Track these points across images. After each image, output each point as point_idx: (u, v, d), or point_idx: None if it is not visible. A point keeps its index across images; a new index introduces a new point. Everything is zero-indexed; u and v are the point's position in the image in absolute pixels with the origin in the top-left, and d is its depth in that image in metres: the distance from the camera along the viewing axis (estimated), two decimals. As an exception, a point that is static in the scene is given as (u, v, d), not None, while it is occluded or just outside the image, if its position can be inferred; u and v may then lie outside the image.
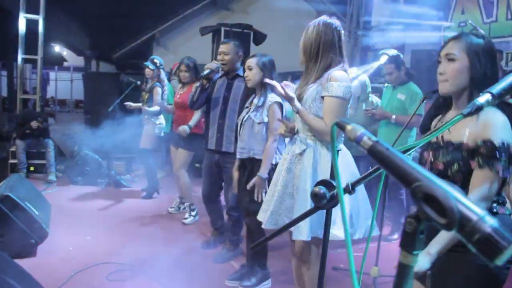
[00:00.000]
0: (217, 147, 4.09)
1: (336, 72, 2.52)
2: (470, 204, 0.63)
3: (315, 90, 2.56)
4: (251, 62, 3.48)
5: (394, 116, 4.64)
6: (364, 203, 2.62)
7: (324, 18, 2.63)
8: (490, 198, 1.70)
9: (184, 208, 5.63)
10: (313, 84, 2.58)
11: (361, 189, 2.59)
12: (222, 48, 4.04)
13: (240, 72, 4.04)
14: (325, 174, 2.47)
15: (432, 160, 1.84)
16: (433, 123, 2.07)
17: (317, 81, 2.58)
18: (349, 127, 0.79)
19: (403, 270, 0.71)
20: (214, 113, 4.12)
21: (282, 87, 2.56)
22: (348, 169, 2.57)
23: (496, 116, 1.70)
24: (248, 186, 3.33)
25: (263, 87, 3.45)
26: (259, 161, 3.36)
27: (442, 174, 1.77)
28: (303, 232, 2.49)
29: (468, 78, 1.78)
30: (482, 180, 1.68)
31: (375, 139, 0.76)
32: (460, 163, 1.73)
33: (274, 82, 2.75)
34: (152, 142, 6.03)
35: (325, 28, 2.57)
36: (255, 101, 3.50)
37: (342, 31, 2.64)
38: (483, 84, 1.70)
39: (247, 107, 3.59)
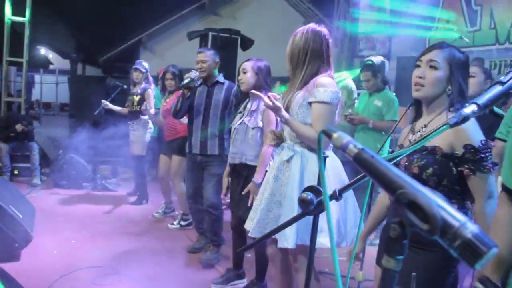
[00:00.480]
0: (201, 151, 4.16)
1: (322, 78, 2.52)
2: (452, 211, 0.65)
3: (301, 97, 2.54)
4: (246, 65, 3.47)
5: (371, 122, 4.87)
6: (353, 211, 2.60)
7: (312, 25, 2.62)
8: (493, 192, 1.81)
9: (166, 214, 5.69)
10: (300, 91, 2.57)
11: (350, 196, 2.59)
12: (199, 57, 4.12)
13: (219, 79, 4.16)
14: (312, 181, 2.44)
15: (406, 164, 1.90)
16: (404, 130, 2.14)
17: (303, 88, 2.57)
18: (335, 135, 0.81)
19: (387, 274, 0.73)
20: (197, 120, 4.17)
21: (269, 97, 2.54)
22: (337, 175, 2.55)
23: (469, 123, 1.79)
24: (244, 192, 3.28)
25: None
26: (253, 167, 3.31)
27: (417, 178, 1.81)
28: (289, 239, 2.48)
29: (445, 87, 1.87)
30: (480, 184, 1.79)
31: (361, 147, 0.77)
32: (434, 167, 1.81)
33: (260, 94, 2.75)
34: (144, 147, 6.00)
35: (313, 36, 2.56)
36: (249, 105, 3.48)
37: (330, 40, 2.65)
38: (457, 95, 1.86)
39: (240, 112, 3.57)
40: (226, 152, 4.05)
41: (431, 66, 1.86)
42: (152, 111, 5.49)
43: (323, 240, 2.39)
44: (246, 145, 3.42)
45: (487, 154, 1.77)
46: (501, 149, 2.41)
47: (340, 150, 0.79)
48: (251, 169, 3.33)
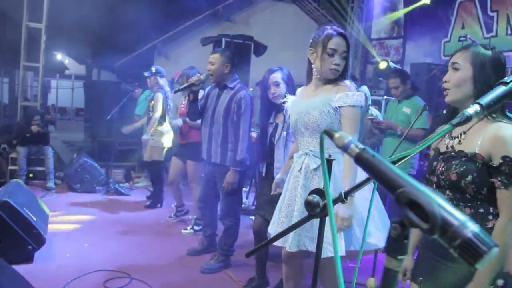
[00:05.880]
0: (207, 157, 4.14)
1: (345, 82, 2.51)
2: (453, 210, 0.65)
3: (320, 103, 2.51)
4: (278, 78, 3.41)
5: (400, 128, 4.69)
6: (380, 213, 2.55)
7: (324, 27, 2.59)
8: None
9: (179, 216, 5.71)
10: (315, 97, 2.56)
11: (375, 198, 2.55)
12: (210, 58, 4.04)
13: (229, 84, 4.02)
14: (340, 188, 2.36)
15: (443, 170, 1.82)
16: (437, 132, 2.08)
17: (322, 91, 2.55)
18: (337, 135, 0.81)
19: (388, 274, 0.73)
20: (205, 124, 4.14)
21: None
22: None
23: (509, 131, 1.69)
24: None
25: None
26: None
27: (455, 185, 1.75)
28: (292, 243, 2.49)
29: (472, 88, 1.78)
30: (509, 200, 1.67)
31: (362, 147, 0.77)
32: (474, 175, 1.71)
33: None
34: (162, 153, 6.02)
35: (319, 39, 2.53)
36: (283, 117, 3.35)
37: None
38: (481, 95, 1.74)
39: (271, 123, 3.49)
40: (225, 162, 3.98)
41: (453, 69, 1.82)
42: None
43: (370, 240, 2.38)
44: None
45: None
46: None
47: (342, 150, 0.79)
48: None
